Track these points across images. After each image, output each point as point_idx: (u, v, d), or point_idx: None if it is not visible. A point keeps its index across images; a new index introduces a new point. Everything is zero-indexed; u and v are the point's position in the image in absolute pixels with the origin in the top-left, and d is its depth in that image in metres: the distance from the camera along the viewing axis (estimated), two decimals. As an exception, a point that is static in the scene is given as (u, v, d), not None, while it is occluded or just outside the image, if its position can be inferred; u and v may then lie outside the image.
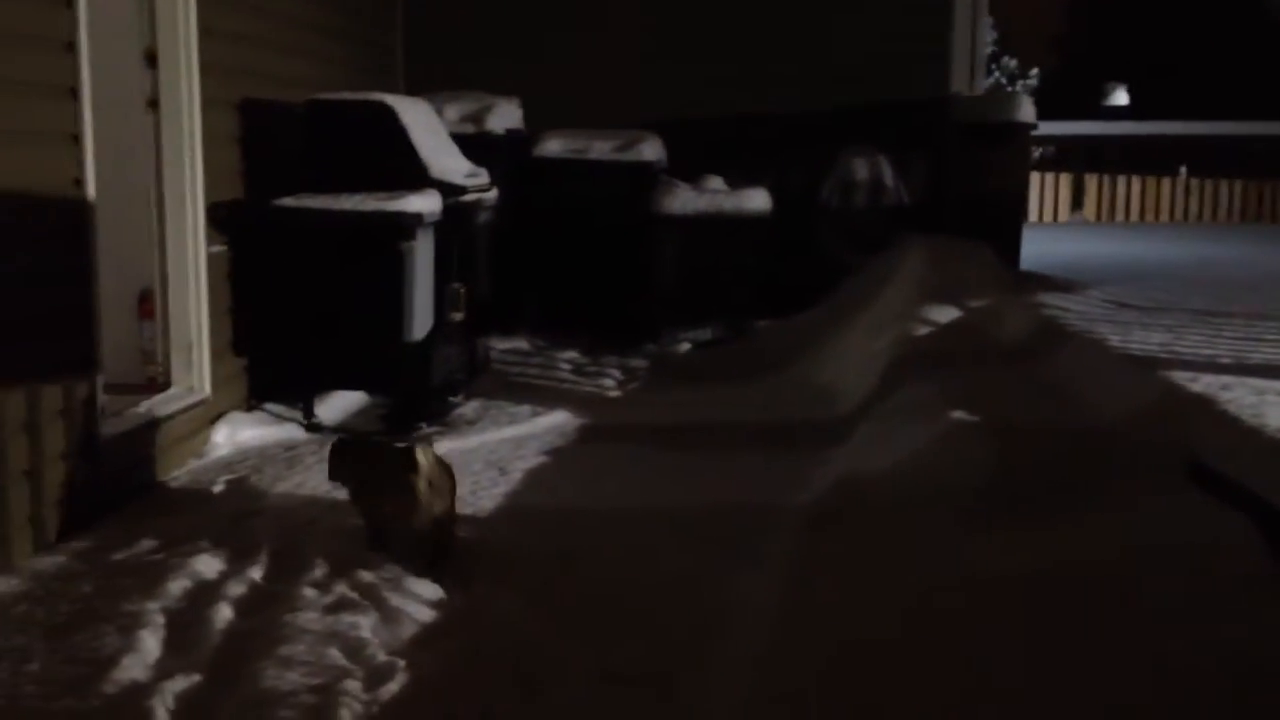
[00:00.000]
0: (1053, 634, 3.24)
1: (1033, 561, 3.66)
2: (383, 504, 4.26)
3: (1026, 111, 8.99)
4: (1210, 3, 28.85)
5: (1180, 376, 4.99)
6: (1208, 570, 3.40)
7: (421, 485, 4.18)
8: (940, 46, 9.18)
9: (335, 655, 3.46)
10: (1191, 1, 29.01)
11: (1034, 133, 9.33)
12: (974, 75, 9.38)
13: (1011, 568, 3.64)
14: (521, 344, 8.25)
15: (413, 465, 4.20)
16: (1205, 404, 4.58)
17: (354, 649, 3.51)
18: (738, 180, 8.47)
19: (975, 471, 4.42)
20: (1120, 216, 18.65)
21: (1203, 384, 4.83)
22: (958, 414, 4.98)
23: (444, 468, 4.36)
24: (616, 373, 7.60)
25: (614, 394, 7.13)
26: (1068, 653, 3.12)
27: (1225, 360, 5.43)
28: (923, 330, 6.63)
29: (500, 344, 7.99)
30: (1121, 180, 19.06)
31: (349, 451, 4.43)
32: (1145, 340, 5.88)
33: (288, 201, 5.95)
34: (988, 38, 11.52)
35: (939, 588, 3.58)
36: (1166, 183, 19.32)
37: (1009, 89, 25.33)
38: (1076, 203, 18.15)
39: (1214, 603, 3.24)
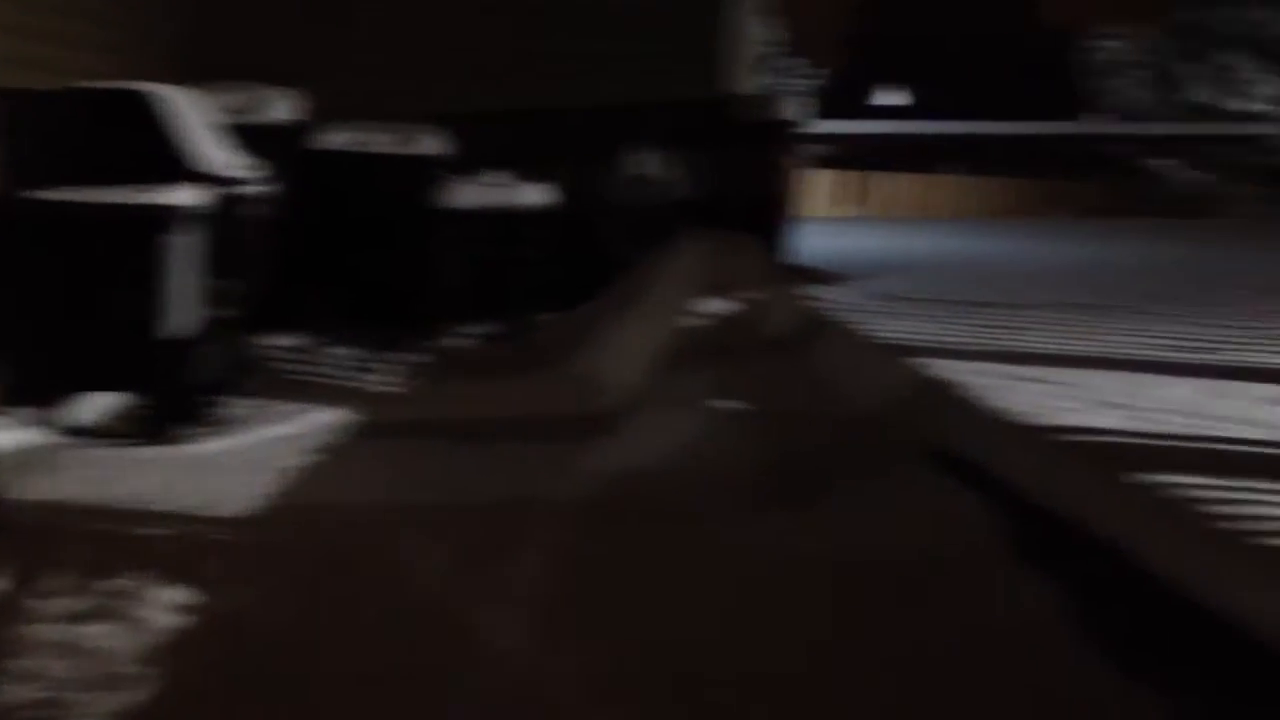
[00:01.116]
0: (820, 614, 3.35)
1: (802, 547, 3.77)
2: None
3: (791, 110, 9.32)
4: (987, 8, 30.11)
5: (938, 365, 5.20)
6: (945, 545, 3.56)
7: None
8: (712, 47, 9.40)
9: (71, 667, 3.31)
10: (970, 7, 30.25)
11: (807, 130, 9.67)
12: (746, 75, 9.66)
13: (781, 554, 3.74)
14: (300, 340, 8.06)
15: None
16: (957, 390, 4.78)
17: (93, 660, 3.37)
18: (525, 175, 8.47)
19: (742, 462, 4.53)
20: (901, 212, 19.35)
21: (957, 370, 5.04)
22: (726, 404, 5.08)
23: None
24: (396, 368, 7.50)
25: (392, 390, 7.03)
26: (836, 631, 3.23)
27: (982, 348, 5.68)
28: (694, 323, 6.74)
29: (278, 341, 7.79)
30: (903, 178, 19.78)
31: None
32: (907, 330, 6.11)
33: (37, 194, 5.67)
34: (763, 37, 11.83)
35: (711, 579, 3.64)
36: (947, 180, 20.11)
37: (778, 89, 25.97)
38: (857, 199, 18.77)
39: (948, 575, 3.39)
